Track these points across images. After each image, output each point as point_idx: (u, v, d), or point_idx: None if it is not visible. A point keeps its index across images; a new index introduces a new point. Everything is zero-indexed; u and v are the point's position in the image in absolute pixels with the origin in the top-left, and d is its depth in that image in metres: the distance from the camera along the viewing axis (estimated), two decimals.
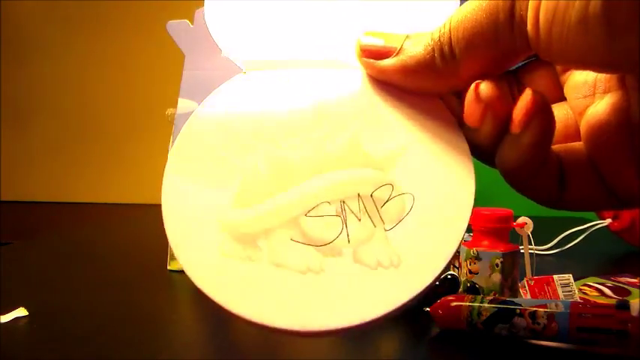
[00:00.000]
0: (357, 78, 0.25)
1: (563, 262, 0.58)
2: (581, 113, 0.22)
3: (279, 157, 0.23)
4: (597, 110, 0.21)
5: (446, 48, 0.21)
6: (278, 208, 0.22)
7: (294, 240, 0.21)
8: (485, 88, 0.21)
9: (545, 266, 0.51)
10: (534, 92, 0.20)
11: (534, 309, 0.34)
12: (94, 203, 1.12)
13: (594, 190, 0.22)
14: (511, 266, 0.41)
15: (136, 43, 1.12)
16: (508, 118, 0.21)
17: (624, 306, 0.32)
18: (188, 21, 0.52)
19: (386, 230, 0.21)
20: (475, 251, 0.41)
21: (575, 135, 0.23)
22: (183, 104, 0.53)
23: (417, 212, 0.22)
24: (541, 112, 0.20)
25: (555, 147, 0.22)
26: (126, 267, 0.56)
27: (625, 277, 0.46)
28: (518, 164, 0.21)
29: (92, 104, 1.19)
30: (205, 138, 0.24)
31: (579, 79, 0.23)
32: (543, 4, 0.18)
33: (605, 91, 0.22)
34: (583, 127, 0.22)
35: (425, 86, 0.22)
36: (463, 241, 0.42)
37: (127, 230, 0.79)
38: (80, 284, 0.50)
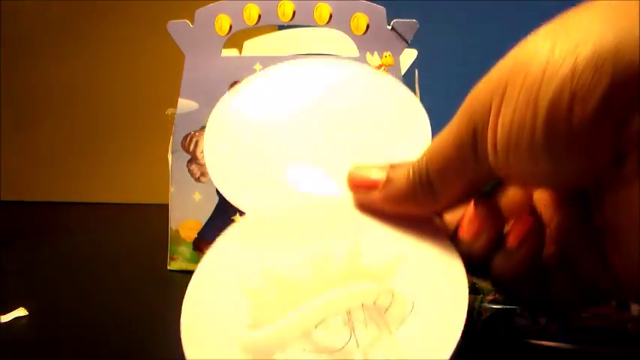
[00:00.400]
0: (348, 199, 0.28)
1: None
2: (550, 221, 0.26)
3: (283, 279, 0.26)
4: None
5: (424, 179, 0.24)
6: (289, 326, 0.25)
7: (307, 351, 0.24)
8: (479, 210, 0.24)
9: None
10: (529, 214, 0.24)
11: None
12: (94, 203, 1.12)
13: (572, 287, 0.25)
14: None
15: (136, 43, 1.12)
16: (500, 233, 0.24)
17: (624, 306, 0.32)
18: (188, 21, 0.52)
19: (391, 332, 0.24)
20: None
21: None
22: (183, 104, 0.53)
23: (418, 313, 0.24)
24: (535, 232, 0.24)
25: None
26: (126, 267, 0.56)
27: None
28: (512, 274, 0.24)
29: (92, 104, 1.18)
30: (218, 272, 0.28)
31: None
32: (499, 135, 0.21)
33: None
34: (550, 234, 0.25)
35: (411, 210, 0.25)
36: None
37: (127, 230, 0.79)
38: (80, 284, 0.50)
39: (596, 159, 0.20)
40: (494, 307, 0.35)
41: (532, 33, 0.22)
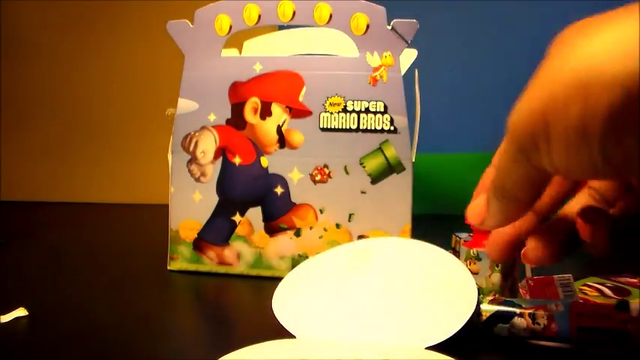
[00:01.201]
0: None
1: (563, 262, 0.58)
2: None
3: None
4: None
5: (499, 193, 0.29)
6: None
7: None
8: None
9: (545, 266, 0.51)
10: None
11: (534, 309, 0.34)
12: (94, 203, 1.12)
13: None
14: (511, 266, 0.41)
15: (136, 43, 1.12)
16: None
17: (624, 306, 0.32)
18: (188, 21, 0.52)
19: None
20: (475, 251, 0.41)
21: None
22: (183, 104, 0.53)
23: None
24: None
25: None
26: (126, 267, 0.56)
27: (625, 277, 0.46)
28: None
29: (92, 104, 1.18)
30: None
31: None
32: (554, 164, 0.25)
33: None
34: None
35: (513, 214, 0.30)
36: (463, 242, 0.42)
37: (127, 230, 0.79)
38: (80, 284, 0.50)
39: None
40: (494, 307, 0.35)
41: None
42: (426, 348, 0.32)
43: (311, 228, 0.51)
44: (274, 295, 0.38)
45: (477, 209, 0.31)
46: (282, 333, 0.35)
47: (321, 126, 0.51)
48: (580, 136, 0.22)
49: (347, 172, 0.51)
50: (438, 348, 0.32)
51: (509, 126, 0.25)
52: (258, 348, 0.32)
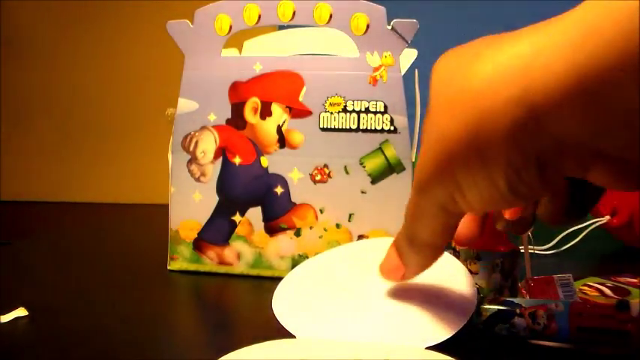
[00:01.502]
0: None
1: (563, 262, 0.58)
2: None
3: None
4: None
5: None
6: None
7: None
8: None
9: (545, 266, 0.51)
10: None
11: (534, 309, 0.34)
12: (94, 203, 1.12)
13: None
14: (511, 266, 0.41)
15: (136, 43, 1.12)
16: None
17: (624, 306, 0.32)
18: (188, 21, 0.52)
19: None
20: (475, 251, 0.41)
21: None
22: (183, 104, 0.53)
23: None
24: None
25: None
26: (126, 267, 0.56)
27: (625, 277, 0.46)
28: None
29: (92, 104, 1.18)
30: None
31: None
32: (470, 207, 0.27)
33: None
34: None
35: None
36: None
37: (126, 230, 0.79)
38: (80, 284, 0.50)
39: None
40: (494, 307, 0.35)
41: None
42: (426, 348, 0.32)
43: (311, 228, 0.51)
44: (274, 295, 0.38)
45: (391, 266, 0.32)
46: (282, 333, 0.35)
47: (321, 126, 0.51)
48: (486, 178, 0.23)
49: (347, 172, 0.51)
50: (438, 348, 0.32)
51: (419, 184, 0.26)
52: (258, 348, 0.32)
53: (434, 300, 0.35)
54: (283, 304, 0.37)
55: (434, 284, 0.36)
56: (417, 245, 0.29)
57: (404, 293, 0.36)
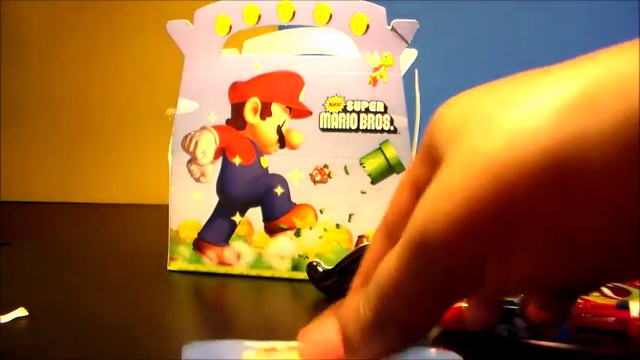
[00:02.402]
0: None
1: None
2: None
3: None
4: None
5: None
6: None
7: None
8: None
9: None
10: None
11: None
12: (94, 203, 1.12)
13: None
14: None
15: (135, 43, 1.12)
16: None
17: (624, 306, 0.32)
18: (188, 21, 0.52)
19: None
20: None
21: None
22: (183, 104, 0.53)
23: None
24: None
25: None
26: (126, 267, 0.56)
27: None
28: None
29: (92, 104, 1.18)
30: None
31: None
32: None
33: None
34: None
35: None
36: None
37: (126, 230, 0.79)
38: (80, 284, 0.50)
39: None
40: None
41: None
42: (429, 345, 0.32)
43: (311, 228, 0.51)
44: None
45: (326, 344, 0.21)
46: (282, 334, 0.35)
47: (321, 126, 0.51)
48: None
49: (347, 172, 0.51)
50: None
51: (428, 235, 0.17)
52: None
53: None
54: None
55: None
56: (391, 329, 0.20)
57: None
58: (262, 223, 0.52)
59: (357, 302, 0.20)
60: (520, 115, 0.16)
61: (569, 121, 0.15)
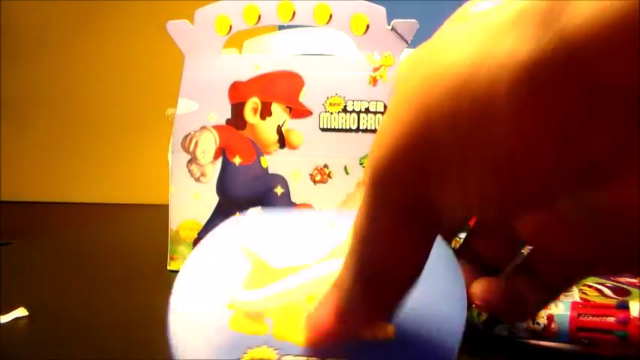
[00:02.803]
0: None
1: None
2: None
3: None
4: None
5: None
6: (281, 293, 0.25)
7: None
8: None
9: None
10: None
11: None
12: (94, 203, 1.12)
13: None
14: (510, 267, 0.41)
15: (136, 43, 1.12)
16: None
17: (624, 306, 0.32)
18: (188, 21, 0.52)
19: None
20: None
21: None
22: (183, 104, 0.53)
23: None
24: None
25: None
26: (126, 267, 0.56)
27: (625, 277, 0.46)
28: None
29: (92, 105, 1.18)
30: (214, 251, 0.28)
31: None
32: None
33: None
34: None
35: None
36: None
37: (126, 230, 0.79)
38: (80, 284, 0.50)
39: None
40: None
41: None
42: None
43: None
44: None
45: (323, 329, 0.21)
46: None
47: (321, 126, 0.51)
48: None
49: (347, 172, 0.51)
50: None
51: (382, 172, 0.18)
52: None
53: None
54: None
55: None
56: (375, 280, 0.20)
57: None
58: None
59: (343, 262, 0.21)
60: (436, 53, 0.17)
61: (479, 56, 0.16)
